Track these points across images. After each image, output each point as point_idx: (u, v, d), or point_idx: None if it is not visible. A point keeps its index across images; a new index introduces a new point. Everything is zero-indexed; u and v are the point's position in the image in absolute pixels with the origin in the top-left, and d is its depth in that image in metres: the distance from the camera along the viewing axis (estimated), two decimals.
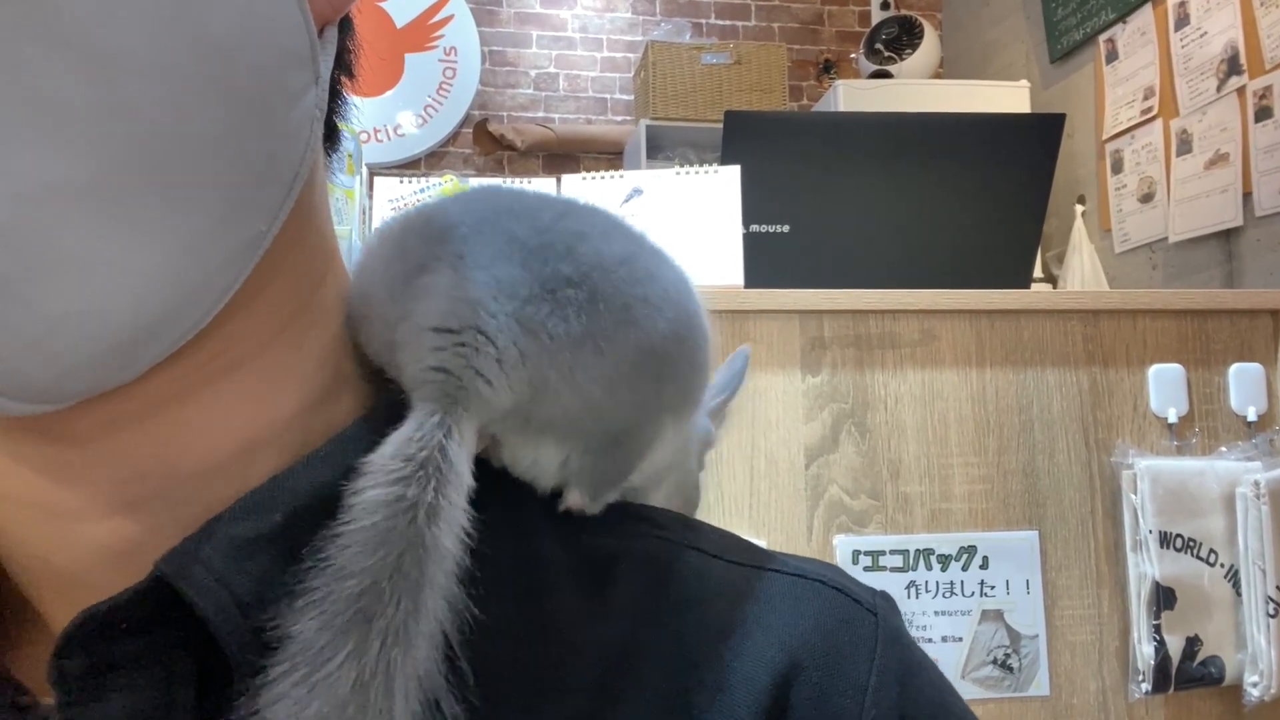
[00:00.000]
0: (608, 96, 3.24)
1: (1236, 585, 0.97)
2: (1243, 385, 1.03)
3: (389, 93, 3.04)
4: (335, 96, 0.31)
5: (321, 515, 0.27)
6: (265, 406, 0.29)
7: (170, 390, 0.27)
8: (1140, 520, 0.96)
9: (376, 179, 1.17)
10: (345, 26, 0.31)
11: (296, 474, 0.28)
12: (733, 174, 1.14)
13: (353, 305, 0.33)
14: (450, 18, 3.11)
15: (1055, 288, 2.45)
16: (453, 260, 0.29)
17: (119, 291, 0.23)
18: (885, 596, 0.34)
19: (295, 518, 0.27)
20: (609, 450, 0.32)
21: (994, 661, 0.94)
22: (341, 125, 0.34)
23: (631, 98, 3.21)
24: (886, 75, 2.88)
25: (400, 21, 3.07)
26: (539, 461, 0.32)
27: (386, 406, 0.31)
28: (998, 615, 0.95)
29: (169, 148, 0.23)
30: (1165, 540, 0.96)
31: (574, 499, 0.33)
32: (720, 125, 1.29)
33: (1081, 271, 2.35)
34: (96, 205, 0.22)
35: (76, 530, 0.28)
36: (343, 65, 0.32)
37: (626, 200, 1.16)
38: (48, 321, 0.22)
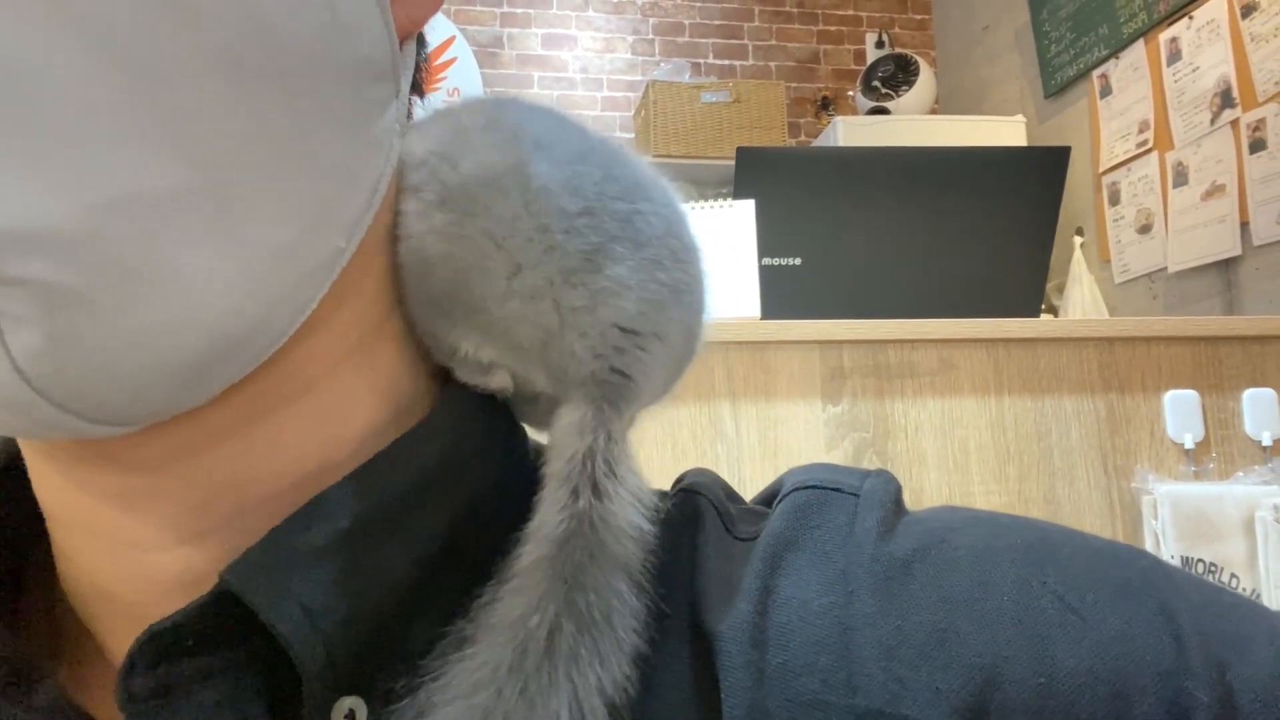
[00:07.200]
0: (608, 135, 3.29)
1: None
2: (1257, 410, 1.04)
3: None
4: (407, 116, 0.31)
5: (388, 523, 0.27)
6: (337, 429, 0.28)
7: (242, 414, 0.26)
8: (1161, 545, 0.97)
9: None
10: (420, 44, 0.30)
11: (361, 478, 0.27)
12: (747, 208, 1.16)
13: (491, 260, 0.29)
14: (453, 60, 3.16)
15: (1057, 318, 2.46)
16: (631, 249, 0.29)
17: (195, 306, 0.22)
18: (881, 474, 0.32)
19: (361, 524, 0.26)
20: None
21: None
22: None
23: (632, 135, 3.25)
24: (884, 112, 2.93)
25: None
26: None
27: (452, 397, 0.30)
28: None
29: (248, 156, 0.22)
30: (1187, 565, 0.96)
31: None
32: (721, 162, 1.31)
33: (1083, 302, 2.37)
34: (172, 216, 0.21)
35: (143, 560, 0.27)
36: (414, 85, 0.31)
37: None
38: (122, 338, 0.21)
